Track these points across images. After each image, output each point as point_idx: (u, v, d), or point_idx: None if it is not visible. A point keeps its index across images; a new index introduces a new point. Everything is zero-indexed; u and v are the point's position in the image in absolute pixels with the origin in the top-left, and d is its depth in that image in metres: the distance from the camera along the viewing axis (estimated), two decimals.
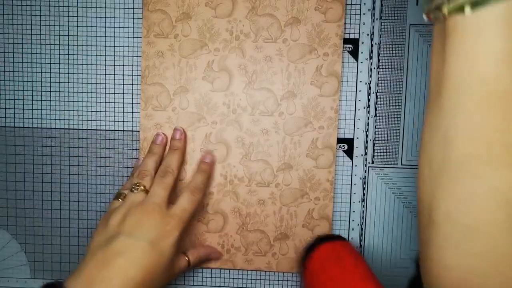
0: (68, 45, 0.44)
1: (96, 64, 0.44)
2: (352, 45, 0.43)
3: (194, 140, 0.43)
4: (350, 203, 0.45)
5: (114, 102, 0.44)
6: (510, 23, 0.23)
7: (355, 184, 0.45)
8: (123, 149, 0.44)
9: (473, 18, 0.24)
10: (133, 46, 0.44)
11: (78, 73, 0.44)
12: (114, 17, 0.43)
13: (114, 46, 0.44)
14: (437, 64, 0.27)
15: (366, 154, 0.44)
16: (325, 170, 0.43)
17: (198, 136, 0.43)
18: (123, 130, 0.44)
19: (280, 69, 0.43)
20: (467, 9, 0.23)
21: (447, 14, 0.25)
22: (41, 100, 0.44)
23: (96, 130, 0.45)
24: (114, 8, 0.43)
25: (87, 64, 0.44)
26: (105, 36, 0.44)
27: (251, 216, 0.44)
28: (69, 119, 0.44)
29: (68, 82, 0.44)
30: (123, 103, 0.44)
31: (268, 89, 0.43)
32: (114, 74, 0.44)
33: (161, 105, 0.43)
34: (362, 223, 0.45)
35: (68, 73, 0.44)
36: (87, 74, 0.44)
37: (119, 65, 0.44)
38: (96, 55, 0.44)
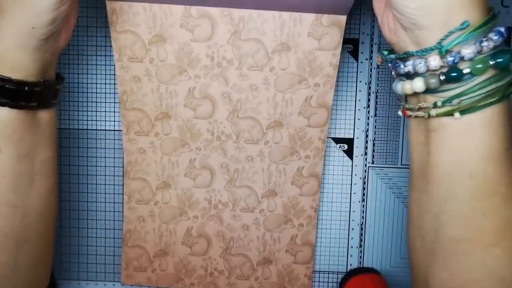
0: (68, 44, 0.43)
1: (96, 64, 0.44)
2: (352, 45, 0.43)
3: (179, 165, 0.42)
4: (350, 203, 0.45)
5: (114, 102, 0.44)
6: (494, 124, 0.25)
7: (355, 184, 0.45)
8: (123, 149, 0.44)
9: (460, 120, 0.25)
10: None
11: (78, 73, 0.44)
12: None
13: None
14: (418, 152, 0.28)
15: (366, 154, 0.44)
16: (310, 198, 0.42)
17: (182, 161, 0.42)
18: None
19: (267, 99, 0.40)
20: (457, 114, 0.25)
21: (435, 116, 0.26)
22: None
23: (96, 130, 0.44)
24: None
25: (87, 64, 0.44)
26: (105, 36, 0.43)
27: (235, 240, 0.43)
28: (69, 119, 0.44)
29: (68, 82, 0.44)
30: None
31: (254, 118, 0.41)
32: (114, 74, 0.44)
33: (143, 130, 0.41)
34: (362, 223, 0.45)
35: (68, 73, 0.44)
36: (87, 74, 0.44)
37: None
38: (96, 55, 0.44)
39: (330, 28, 0.38)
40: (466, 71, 0.25)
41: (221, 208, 0.43)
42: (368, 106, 0.43)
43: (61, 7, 0.30)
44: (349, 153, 0.44)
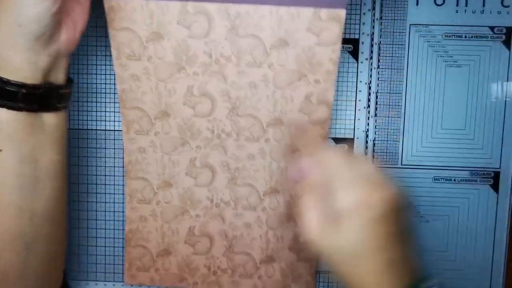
0: None
1: (96, 64, 0.44)
2: (352, 45, 0.43)
3: (179, 164, 0.42)
4: None
5: (114, 102, 0.44)
6: None
7: None
8: (123, 149, 0.44)
9: None
10: None
11: (78, 73, 0.44)
12: None
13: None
14: None
15: (366, 154, 0.44)
16: None
17: (182, 160, 0.41)
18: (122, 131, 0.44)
19: (266, 96, 0.40)
20: None
21: None
22: None
23: (96, 130, 0.44)
24: None
25: (87, 64, 0.44)
26: (105, 36, 0.43)
27: (238, 239, 0.43)
28: (69, 119, 0.44)
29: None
30: None
31: (253, 116, 0.40)
32: (114, 74, 0.44)
33: (143, 129, 0.41)
34: None
35: (68, 73, 0.44)
36: (87, 74, 0.44)
37: None
38: (96, 55, 0.43)
39: (329, 23, 0.37)
40: None
41: (223, 207, 0.43)
42: (368, 106, 0.43)
43: (45, 2, 0.29)
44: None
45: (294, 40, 0.38)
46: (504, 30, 0.42)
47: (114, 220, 0.45)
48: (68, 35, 0.33)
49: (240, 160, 0.42)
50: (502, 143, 0.43)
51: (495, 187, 0.44)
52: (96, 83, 0.43)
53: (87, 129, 0.44)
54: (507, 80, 0.42)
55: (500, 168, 0.43)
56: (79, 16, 0.33)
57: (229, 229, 0.43)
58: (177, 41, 0.39)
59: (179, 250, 0.43)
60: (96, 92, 0.44)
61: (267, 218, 0.43)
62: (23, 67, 0.31)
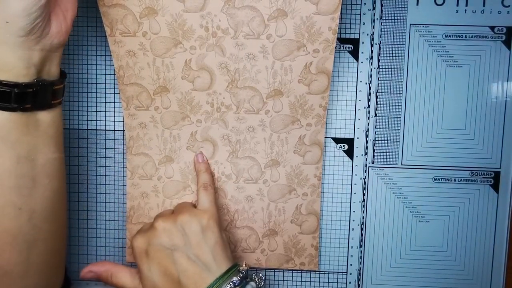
0: (68, 44, 0.43)
1: (96, 64, 0.44)
2: (352, 45, 0.43)
3: (180, 139, 0.42)
4: (350, 203, 0.44)
5: (114, 102, 0.44)
6: None
7: (355, 184, 0.44)
8: (123, 149, 0.44)
9: None
10: None
11: (78, 73, 0.43)
12: None
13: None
14: None
15: (366, 154, 0.44)
16: (313, 166, 0.42)
17: (183, 134, 0.41)
18: (123, 130, 0.44)
19: (265, 67, 0.39)
20: None
21: None
22: None
23: (96, 130, 0.44)
24: None
25: (87, 64, 0.44)
26: (106, 36, 0.43)
27: (239, 213, 0.43)
28: (69, 119, 0.44)
29: (68, 82, 0.44)
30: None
31: (253, 88, 0.41)
32: (114, 74, 0.44)
33: (143, 105, 0.41)
34: (362, 223, 0.45)
35: (68, 73, 0.43)
36: (87, 74, 0.44)
37: None
38: (96, 55, 0.43)
39: None
40: None
41: (225, 180, 0.42)
42: (368, 106, 0.43)
43: None
44: (350, 153, 0.44)
45: (292, 10, 0.38)
46: (505, 30, 0.42)
47: (114, 220, 0.45)
48: (59, 26, 0.32)
49: (241, 133, 0.42)
50: (502, 143, 0.43)
51: (495, 187, 0.43)
52: (96, 83, 0.43)
53: (87, 129, 0.44)
54: (507, 80, 0.42)
55: (500, 168, 0.43)
56: (68, 4, 0.33)
57: (231, 203, 0.43)
58: (172, 16, 0.38)
59: None
60: (96, 92, 0.43)
61: (269, 191, 0.43)
62: (15, 65, 0.30)
